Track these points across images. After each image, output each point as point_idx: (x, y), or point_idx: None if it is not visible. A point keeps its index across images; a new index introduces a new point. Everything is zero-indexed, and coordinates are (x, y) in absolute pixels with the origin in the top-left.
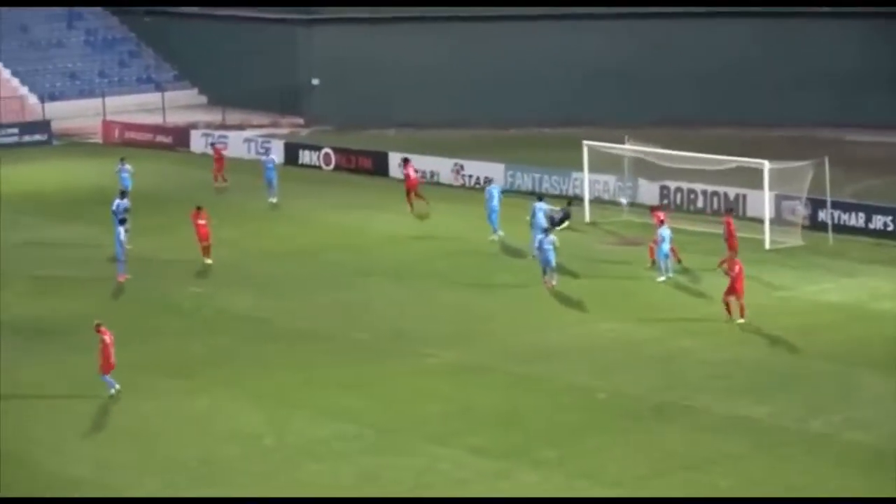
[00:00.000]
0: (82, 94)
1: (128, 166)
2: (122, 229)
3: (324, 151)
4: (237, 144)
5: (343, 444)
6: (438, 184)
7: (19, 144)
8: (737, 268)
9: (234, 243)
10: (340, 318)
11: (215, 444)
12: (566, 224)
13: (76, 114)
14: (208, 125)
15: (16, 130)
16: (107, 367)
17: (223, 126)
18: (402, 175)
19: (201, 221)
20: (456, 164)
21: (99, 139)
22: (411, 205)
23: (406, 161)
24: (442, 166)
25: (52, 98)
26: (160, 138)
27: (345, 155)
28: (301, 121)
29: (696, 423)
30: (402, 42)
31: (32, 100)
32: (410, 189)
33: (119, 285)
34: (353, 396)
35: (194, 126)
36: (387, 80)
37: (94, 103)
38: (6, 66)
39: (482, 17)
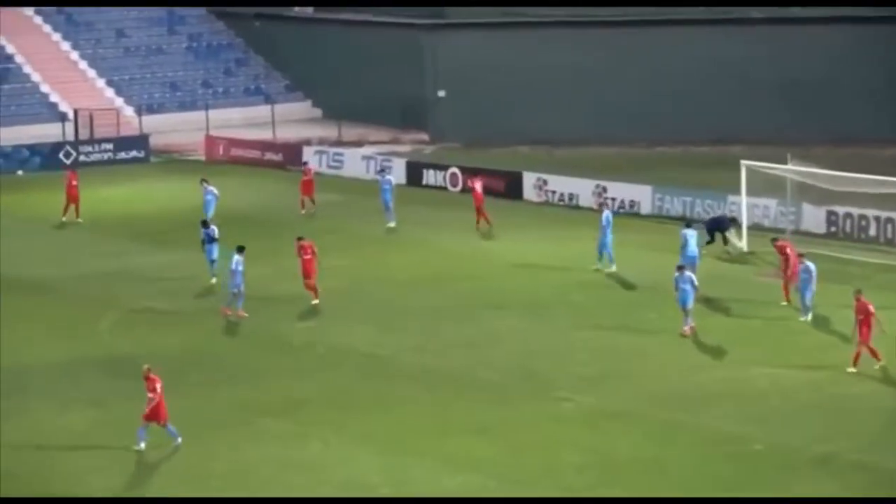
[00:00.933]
0: (183, 106)
1: (212, 188)
2: (237, 258)
3: (450, 171)
4: (354, 162)
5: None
6: (578, 207)
7: (113, 161)
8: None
9: (349, 272)
10: (466, 355)
11: (327, 494)
12: (732, 235)
13: (176, 128)
14: (322, 141)
15: (110, 146)
16: (155, 416)
17: (339, 142)
18: (536, 197)
19: (306, 256)
20: (598, 186)
21: (201, 156)
22: (479, 221)
23: (474, 175)
24: (582, 188)
25: (151, 111)
26: (269, 156)
27: (472, 174)
28: (425, 136)
29: (867, 480)
30: (538, 49)
31: (129, 112)
32: (478, 206)
33: (226, 319)
34: (480, 443)
35: (307, 142)
36: (520, 91)
37: (196, 117)
38: (101, 74)
39: (627, 22)
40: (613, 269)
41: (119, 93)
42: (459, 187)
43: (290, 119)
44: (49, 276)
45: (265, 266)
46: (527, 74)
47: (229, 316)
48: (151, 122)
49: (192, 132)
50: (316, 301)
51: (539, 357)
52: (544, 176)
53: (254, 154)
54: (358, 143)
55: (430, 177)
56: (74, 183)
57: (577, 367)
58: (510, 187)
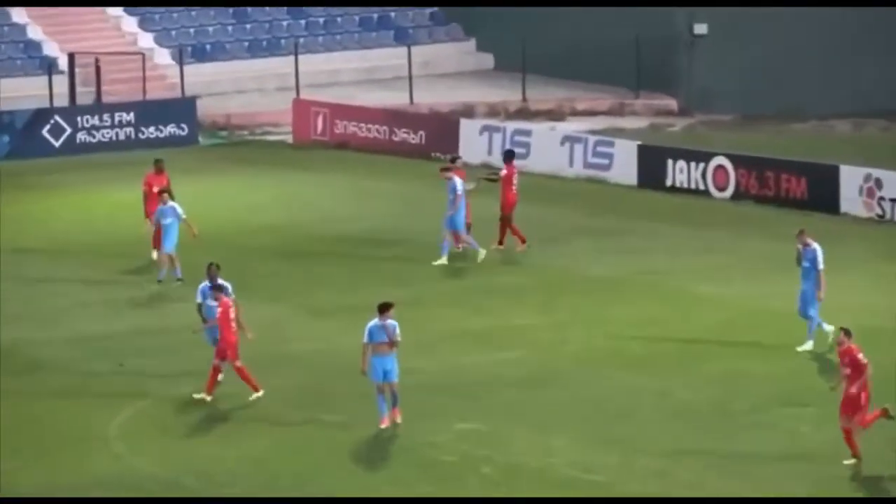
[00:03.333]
0: (253, 50)
1: (174, 205)
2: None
3: (714, 163)
4: (546, 147)
5: None
6: None
7: (134, 142)
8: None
9: (542, 337)
10: None
11: None
12: None
13: (241, 86)
14: (494, 111)
15: (130, 117)
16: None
17: (522, 113)
18: (863, 209)
19: None
20: None
21: (285, 135)
22: (502, 239)
23: (509, 156)
24: None
25: (200, 57)
26: (403, 134)
27: (753, 169)
28: (671, 104)
29: None
30: None
31: (162, 59)
32: (506, 210)
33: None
34: None
35: (468, 111)
36: None
37: (275, 67)
38: None
39: None
40: None
41: (145, 27)
42: (730, 190)
43: (437, 72)
44: None
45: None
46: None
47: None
48: (199, 75)
49: (270, 94)
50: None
51: None
52: (878, 172)
53: (376, 132)
54: (555, 115)
55: (679, 172)
56: (157, 189)
57: None
58: (815, 191)
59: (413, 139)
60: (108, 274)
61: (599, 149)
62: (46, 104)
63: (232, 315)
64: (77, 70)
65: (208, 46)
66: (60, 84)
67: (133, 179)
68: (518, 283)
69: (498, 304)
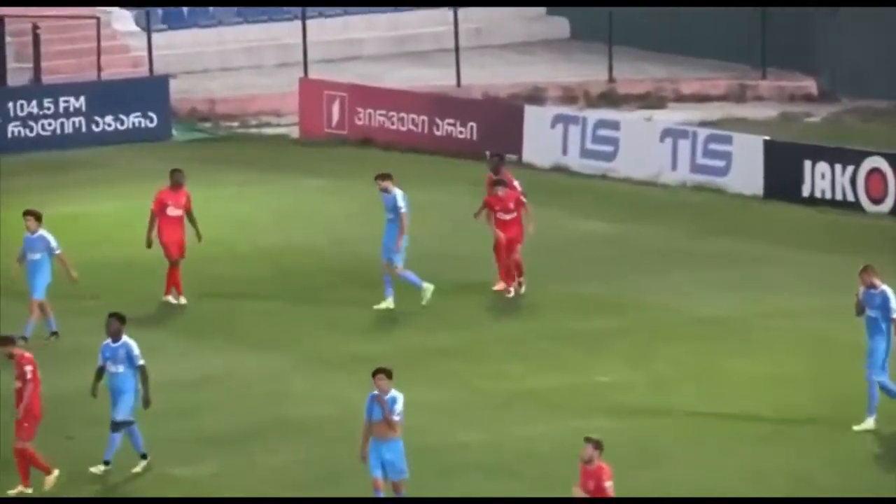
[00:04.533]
0: (245, 13)
1: (45, 234)
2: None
3: (867, 166)
4: (640, 144)
5: None
6: None
7: (85, 137)
8: None
9: (637, 401)
10: None
11: None
12: None
13: (229, 63)
14: (570, 95)
15: (79, 103)
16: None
17: (608, 98)
18: None
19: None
20: None
21: (290, 128)
22: (504, 273)
23: (496, 165)
24: None
25: (172, 21)
26: (448, 127)
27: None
28: (809, 86)
29: None
30: None
31: (123, 24)
32: (503, 244)
33: None
34: None
35: (535, 96)
36: None
37: (275, 33)
38: None
39: None
40: None
41: None
42: (890, 201)
43: (494, 42)
44: None
45: (450, 393)
46: None
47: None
48: (173, 47)
49: (269, 72)
50: None
51: None
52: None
53: (411, 123)
54: (653, 101)
55: (820, 177)
56: (177, 211)
57: None
58: None
59: (461, 133)
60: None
61: (712, 146)
62: None
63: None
64: (8, 40)
65: (185, 9)
66: None
67: (84, 187)
68: (600, 326)
69: (573, 354)
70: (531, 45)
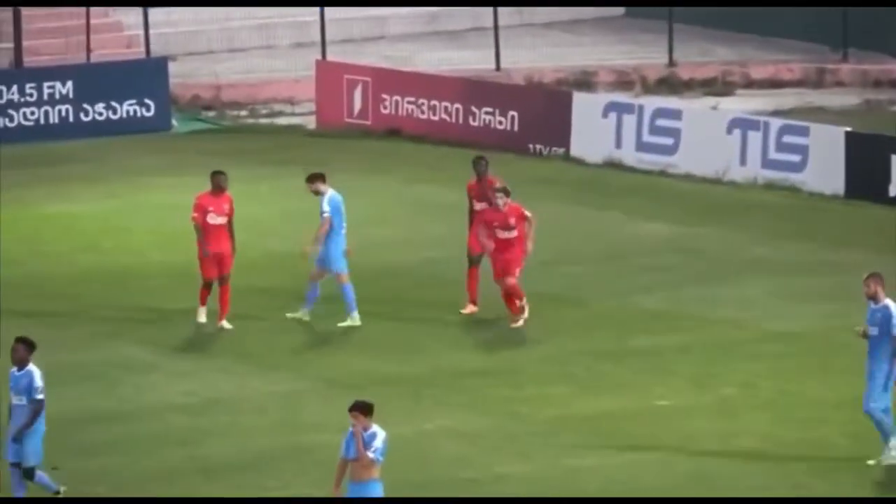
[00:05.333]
0: None
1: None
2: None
3: None
4: (704, 136)
5: None
6: None
7: (73, 127)
8: None
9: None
10: None
11: None
12: None
13: (236, 43)
14: (625, 79)
15: (66, 89)
16: None
17: (668, 84)
18: None
19: None
20: None
21: (306, 119)
22: (510, 306)
23: (482, 169)
24: None
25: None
26: (486, 116)
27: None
28: None
29: None
30: None
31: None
32: (495, 264)
33: None
34: None
35: (585, 81)
36: None
37: (289, 9)
38: None
39: None
40: None
41: None
42: None
43: (537, 20)
44: None
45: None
46: None
47: None
48: (173, 25)
49: (282, 54)
50: None
51: None
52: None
53: (444, 112)
54: (719, 87)
55: None
56: (219, 219)
57: None
58: None
59: (501, 123)
60: (32, 327)
61: (787, 139)
62: None
63: None
64: None
65: None
66: None
67: (72, 184)
68: (659, 343)
69: (629, 375)
70: (580, 24)
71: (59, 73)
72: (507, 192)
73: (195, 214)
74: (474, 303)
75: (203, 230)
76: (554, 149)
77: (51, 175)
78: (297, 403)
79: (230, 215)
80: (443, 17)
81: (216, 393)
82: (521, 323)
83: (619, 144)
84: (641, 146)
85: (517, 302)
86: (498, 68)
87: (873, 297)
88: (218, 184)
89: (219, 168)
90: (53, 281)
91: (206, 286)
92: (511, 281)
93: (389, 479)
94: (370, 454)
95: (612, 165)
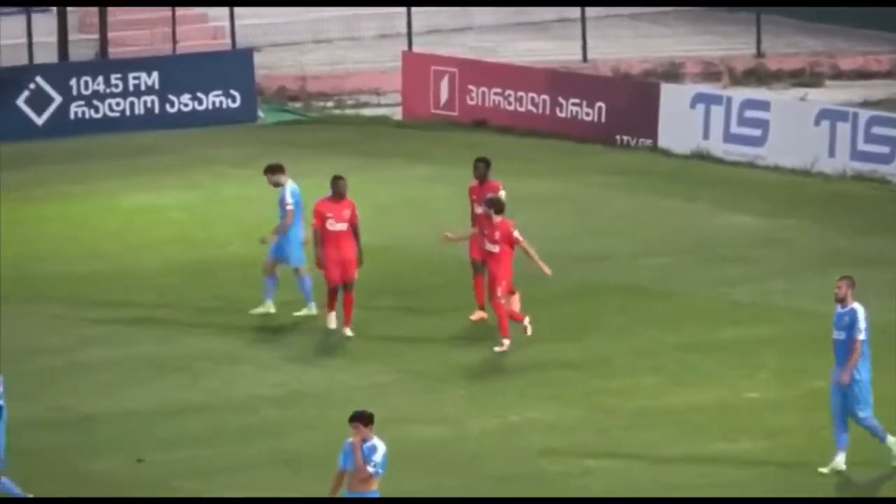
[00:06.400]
0: None
1: None
2: None
3: None
4: (793, 128)
5: None
6: None
7: (157, 118)
8: None
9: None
10: None
11: None
12: None
13: (321, 34)
14: (712, 70)
15: (151, 80)
16: None
17: (756, 75)
18: None
19: None
20: None
21: (394, 106)
22: (513, 309)
23: (482, 173)
24: None
25: None
26: (573, 107)
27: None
28: None
29: None
30: None
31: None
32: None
33: None
34: None
35: (672, 72)
36: None
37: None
38: None
39: None
40: None
41: None
42: None
43: (624, 11)
44: None
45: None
46: None
47: None
48: (259, 16)
49: (368, 45)
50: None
51: None
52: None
53: (531, 103)
54: (807, 78)
55: None
56: (339, 226)
57: None
58: None
59: (587, 115)
60: (120, 320)
61: (877, 130)
62: (24, 60)
63: None
64: (69, 8)
65: None
66: (44, 28)
67: (156, 175)
68: (748, 335)
69: (716, 367)
70: (667, 15)
71: (144, 64)
72: (496, 207)
73: (315, 222)
74: (482, 308)
75: (322, 237)
76: (641, 140)
77: (135, 166)
78: (384, 396)
79: (352, 221)
80: (529, 9)
81: (303, 386)
82: (504, 348)
83: (706, 136)
84: (729, 137)
85: (519, 319)
86: (585, 59)
87: (842, 301)
88: (338, 190)
89: (308, 158)
90: (136, 275)
91: (332, 292)
92: (495, 301)
93: (472, 473)
94: (369, 468)
95: (700, 157)
